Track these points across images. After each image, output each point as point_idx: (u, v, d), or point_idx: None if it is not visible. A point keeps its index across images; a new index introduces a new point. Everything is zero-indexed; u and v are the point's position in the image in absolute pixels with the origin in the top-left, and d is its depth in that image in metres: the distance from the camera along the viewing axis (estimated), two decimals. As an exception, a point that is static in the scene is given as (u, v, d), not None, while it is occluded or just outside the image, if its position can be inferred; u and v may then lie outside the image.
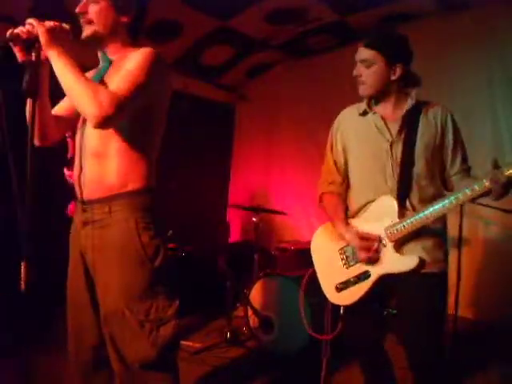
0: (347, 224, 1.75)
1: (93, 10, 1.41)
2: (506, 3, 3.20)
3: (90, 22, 1.41)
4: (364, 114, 1.74)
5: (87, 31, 1.42)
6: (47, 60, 1.29)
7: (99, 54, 1.52)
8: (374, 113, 1.71)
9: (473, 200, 1.51)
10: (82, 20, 1.42)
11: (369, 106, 1.73)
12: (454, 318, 2.56)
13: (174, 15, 3.45)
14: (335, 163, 1.85)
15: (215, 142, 5.07)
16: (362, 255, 1.66)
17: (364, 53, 1.66)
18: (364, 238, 1.66)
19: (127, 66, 1.34)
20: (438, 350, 1.62)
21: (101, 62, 1.53)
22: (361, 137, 1.74)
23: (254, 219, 3.44)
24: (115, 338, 1.38)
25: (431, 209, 1.52)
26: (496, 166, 1.40)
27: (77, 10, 1.42)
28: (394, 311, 2.15)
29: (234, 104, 5.32)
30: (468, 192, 1.46)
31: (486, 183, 1.42)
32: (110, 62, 1.48)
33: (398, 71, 1.64)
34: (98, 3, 1.41)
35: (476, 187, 1.45)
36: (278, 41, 4.16)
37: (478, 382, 2.46)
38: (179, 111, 4.30)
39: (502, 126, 3.44)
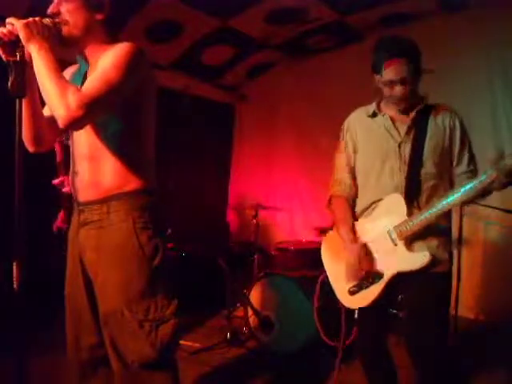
0: (353, 232, 1.74)
1: (65, 10, 1.35)
2: (506, 3, 3.20)
3: (64, 23, 1.35)
4: (373, 115, 1.76)
5: (63, 32, 1.35)
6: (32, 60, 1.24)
7: (77, 57, 1.47)
8: (384, 114, 1.73)
9: (481, 194, 1.52)
10: (56, 21, 1.34)
11: (378, 107, 1.75)
12: (454, 317, 2.56)
13: (174, 15, 3.44)
14: (347, 164, 1.84)
15: (215, 142, 5.06)
16: (354, 273, 1.69)
17: None
18: (363, 255, 1.68)
19: (102, 63, 1.29)
20: (442, 350, 1.63)
21: (80, 64, 1.49)
22: (370, 137, 1.76)
23: (253, 219, 3.44)
24: (114, 338, 1.37)
25: (439, 205, 1.54)
26: (501, 156, 1.43)
27: (48, 11, 1.36)
28: (394, 311, 2.15)
29: (234, 104, 5.32)
30: (476, 183, 1.48)
31: (492, 172, 1.44)
32: (89, 63, 1.43)
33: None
34: (69, 2, 1.35)
35: (483, 177, 1.46)
36: (277, 41, 4.16)
37: (478, 381, 2.46)
38: (181, 108, 4.32)
39: (503, 126, 3.44)
